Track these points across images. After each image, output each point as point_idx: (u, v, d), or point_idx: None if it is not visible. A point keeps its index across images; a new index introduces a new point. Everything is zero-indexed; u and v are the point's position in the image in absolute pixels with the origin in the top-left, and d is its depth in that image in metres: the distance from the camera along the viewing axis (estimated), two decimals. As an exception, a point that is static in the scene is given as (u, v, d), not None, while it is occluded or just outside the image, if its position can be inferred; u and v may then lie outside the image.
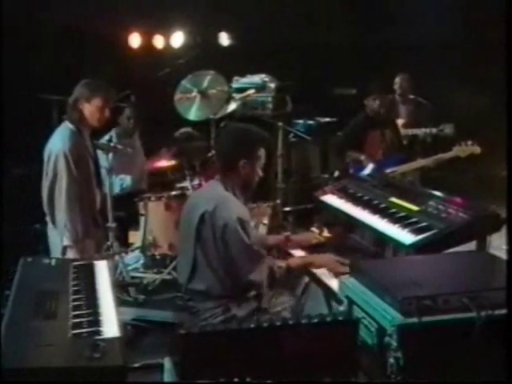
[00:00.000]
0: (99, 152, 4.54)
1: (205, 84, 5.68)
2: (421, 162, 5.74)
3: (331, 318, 2.22)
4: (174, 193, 5.13)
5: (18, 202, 5.09)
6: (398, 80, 6.79)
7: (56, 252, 4.01)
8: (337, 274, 3.09)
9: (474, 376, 2.13)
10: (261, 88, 6.49)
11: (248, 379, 2.07)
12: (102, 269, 2.82)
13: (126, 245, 5.30)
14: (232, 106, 6.13)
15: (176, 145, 5.51)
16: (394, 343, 2.11)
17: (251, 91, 6.40)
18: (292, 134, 6.79)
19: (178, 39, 7.20)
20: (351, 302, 2.45)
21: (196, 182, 5.24)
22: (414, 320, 2.12)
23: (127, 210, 5.19)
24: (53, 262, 2.85)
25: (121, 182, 5.34)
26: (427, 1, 7.81)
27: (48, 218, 4.03)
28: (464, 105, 7.73)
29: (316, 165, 7.19)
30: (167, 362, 2.34)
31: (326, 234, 3.69)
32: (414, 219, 3.17)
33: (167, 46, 7.22)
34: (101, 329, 2.17)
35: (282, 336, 2.16)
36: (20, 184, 5.43)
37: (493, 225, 3.07)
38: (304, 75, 7.46)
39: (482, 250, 3.05)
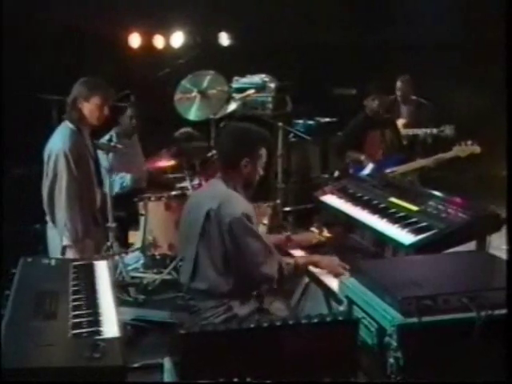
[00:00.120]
0: (99, 152, 4.54)
1: (205, 84, 5.68)
2: (420, 162, 5.74)
3: (331, 318, 2.23)
4: (174, 193, 5.13)
5: (17, 201, 5.08)
6: (399, 83, 6.79)
7: (55, 252, 4.01)
8: (337, 275, 3.09)
9: (474, 376, 2.13)
10: (261, 88, 6.50)
11: (248, 379, 2.07)
12: (101, 269, 2.82)
13: (125, 245, 5.30)
14: (232, 106, 6.13)
15: (176, 145, 5.51)
16: (394, 343, 2.11)
17: (251, 91, 6.41)
18: (292, 134, 6.79)
19: (177, 39, 7.20)
20: (351, 302, 2.45)
21: (196, 181, 5.24)
22: (414, 320, 2.12)
23: (127, 209, 5.19)
24: (53, 262, 2.85)
25: (121, 180, 5.33)
26: (427, 1, 7.81)
27: (48, 218, 4.04)
28: (464, 105, 7.73)
29: (316, 165, 7.19)
30: (167, 362, 2.34)
31: (325, 233, 3.69)
32: (413, 219, 3.17)
33: (167, 45, 7.22)
34: (101, 329, 2.17)
35: (282, 336, 2.16)
36: (20, 184, 5.42)
37: (493, 225, 3.07)
38: (304, 75, 7.46)
39: (482, 249, 3.05)
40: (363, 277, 2.44)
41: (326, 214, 4.49)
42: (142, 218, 5.10)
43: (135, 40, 6.94)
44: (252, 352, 2.13)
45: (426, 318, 2.12)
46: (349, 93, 7.71)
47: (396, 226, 3.18)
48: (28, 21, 5.96)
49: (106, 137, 5.10)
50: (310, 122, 7.20)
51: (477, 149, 5.52)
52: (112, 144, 4.85)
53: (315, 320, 2.19)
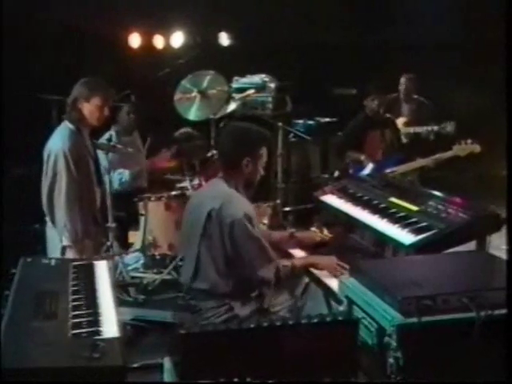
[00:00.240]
0: (99, 151, 4.54)
1: (205, 84, 5.68)
2: (420, 162, 5.74)
3: (331, 318, 2.22)
4: (174, 193, 5.12)
5: (18, 201, 5.08)
6: (403, 79, 6.79)
7: (55, 252, 4.00)
8: (337, 275, 3.09)
9: (474, 376, 2.13)
10: (261, 88, 6.49)
11: (248, 379, 2.07)
12: (101, 269, 2.81)
13: (125, 245, 5.29)
14: (232, 106, 6.13)
15: (176, 145, 5.51)
16: (394, 343, 2.11)
17: (251, 91, 6.40)
18: (292, 134, 6.79)
19: (177, 39, 7.19)
20: (351, 302, 2.45)
21: (196, 181, 5.23)
22: (414, 320, 2.12)
23: (127, 210, 5.19)
24: (52, 262, 2.85)
25: (119, 176, 5.32)
26: (427, 1, 7.81)
27: (47, 218, 4.03)
28: (464, 104, 7.72)
29: (316, 165, 7.19)
30: (167, 362, 2.33)
31: (325, 233, 3.69)
32: (413, 219, 3.17)
33: (167, 46, 7.21)
34: (100, 329, 2.17)
35: (282, 336, 2.16)
36: (20, 184, 5.42)
37: (492, 225, 3.07)
38: (304, 75, 7.45)
39: (482, 249, 3.05)
40: (363, 277, 2.44)
41: (325, 213, 4.49)
42: (142, 218, 5.09)
43: (135, 40, 6.94)
44: (252, 352, 2.13)
45: (425, 318, 2.13)
46: (349, 93, 7.71)
47: (396, 225, 3.18)
48: (28, 21, 5.96)
49: (106, 136, 5.10)
50: (310, 122, 7.20)
51: (476, 148, 5.52)
52: (112, 144, 4.85)
53: (315, 320, 2.19)
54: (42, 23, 6.08)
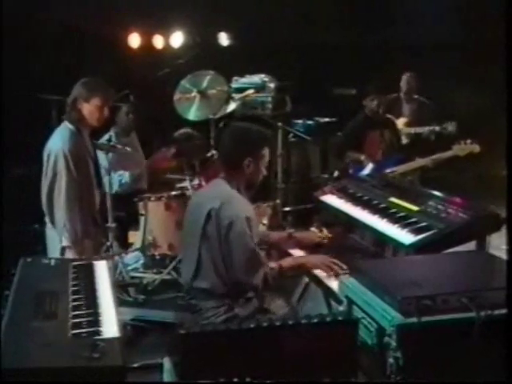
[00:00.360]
0: (99, 152, 4.54)
1: (204, 84, 5.68)
2: (420, 162, 5.74)
3: (331, 318, 2.23)
4: (173, 193, 5.12)
5: (18, 201, 5.08)
6: (404, 78, 6.78)
7: (55, 253, 4.00)
8: (336, 274, 3.09)
9: (474, 376, 2.13)
10: (260, 88, 6.49)
11: (248, 379, 2.07)
12: (101, 269, 2.82)
13: (125, 245, 5.30)
14: (231, 106, 6.13)
15: (176, 145, 5.51)
16: (394, 343, 2.11)
17: (251, 91, 6.40)
18: (292, 134, 6.79)
19: (177, 39, 7.19)
20: (351, 302, 2.45)
21: (196, 181, 5.23)
22: (414, 320, 2.12)
23: (127, 210, 5.19)
24: (52, 262, 2.85)
25: (119, 177, 5.32)
26: (427, 1, 7.81)
27: (47, 219, 4.03)
28: (464, 104, 7.72)
29: (316, 165, 7.19)
30: (167, 362, 2.34)
31: (325, 233, 3.69)
32: (413, 219, 3.17)
33: (167, 45, 7.22)
34: (100, 329, 2.17)
35: (282, 336, 2.16)
36: (20, 184, 5.42)
37: (492, 225, 3.07)
38: (304, 75, 7.45)
39: (482, 249, 3.05)
40: (363, 277, 2.44)
41: (325, 213, 4.49)
42: (142, 218, 5.09)
43: (135, 40, 6.94)
44: (252, 352, 2.13)
45: (425, 318, 2.13)
46: (349, 93, 7.70)
47: (396, 225, 3.18)
48: (28, 21, 5.96)
49: (106, 137, 5.10)
50: (310, 122, 7.20)
51: (476, 147, 5.52)
52: (111, 144, 4.84)
53: (315, 320, 2.19)
54: (41, 23, 6.08)
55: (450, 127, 6.06)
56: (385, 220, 3.30)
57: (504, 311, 2.14)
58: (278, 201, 6.14)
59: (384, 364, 2.16)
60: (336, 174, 6.08)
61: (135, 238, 5.26)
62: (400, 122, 6.43)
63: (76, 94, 4.06)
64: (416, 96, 6.80)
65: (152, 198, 5.06)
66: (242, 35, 7.50)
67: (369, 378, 2.32)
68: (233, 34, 7.53)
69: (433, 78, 7.31)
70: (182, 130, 5.71)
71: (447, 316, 2.15)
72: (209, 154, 5.45)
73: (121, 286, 4.71)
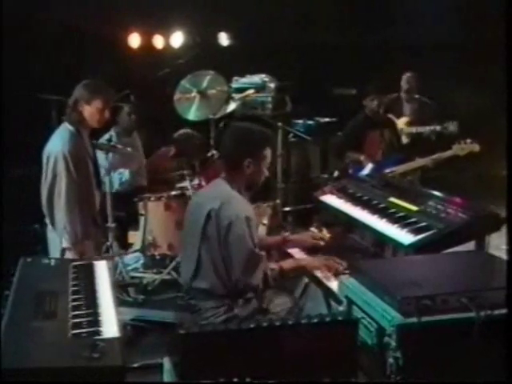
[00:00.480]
0: (99, 152, 4.53)
1: (204, 84, 5.68)
2: (419, 162, 5.74)
3: (331, 318, 2.23)
4: (173, 193, 5.12)
5: (17, 202, 5.08)
6: (405, 77, 6.78)
7: (55, 253, 4.00)
8: (336, 273, 3.10)
9: (474, 376, 2.13)
10: (260, 88, 6.49)
11: (248, 379, 2.07)
12: (101, 269, 2.82)
13: (125, 245, 5.29)
14: (231, 106, 6.13)
15: (175, 145, 5.51)
16: (394, 343, 2.11)
17: (251, 91, 6.40)
18: (292, 134, 6.79)
19: (177, 39, 7.19)
20: (351, 302, 2.46)
21: (196, 182, 5.23)
22: (414, 320, 2.12)
23: (127, 210, 5.19)
24: (52, 262, 2.85)
25: (119, 176, 5.32)
26: (427, 1, 7.81)
27: (47, 220, 4.03)
28: (464, 104, 7.72)
29: (316, 165, 7.19)
30: (166, 362, 2.34)
31: (325, 233, 3.69)
32: (413, 219, 3.18)
33: (167, 45, 7.21)
34: (100, 329, 2.17)
35: (282, 336, 2.16)
36: (20, 184, 5.42)
37: (492, 225, 3.07)
38: (304, 75, 7.45)
39: (481, 249, 3.05)
40: (363, 277, 2.44)
41: (325, 213, 4.49)
42: (142, 218, 5.09)
43: (135, 40, 6.93)
44: (252, 352, 2.13)
45: (425, 318, 2.13)
46: (349, 93, 7.70)
47: (396, 225, 3.19)
48: (28, 21, 5.96)
49: (106, 136, 5.10)
50: (310, 122, 7.20)
51: (475, 147, 5.52)
52: (112, 144, 4.84)
53: (315, 320, 2.19)
54: (42, 23, 6.08)
55: (452, 127, 6.05)
56: (384, 220, 3.30)
57: (504, 311, 2.14)
58: (277, 201, 6.14)
59: (384, 364, 2.16)
60: (336, 174, 6.08)
61: (135, 238, 5.26)
62: (401, 122, 6.42)
63: (77, 95, 4.06)
64: (417, 96, 6.80)
65: (152, 198, 5.06)
66: (242, 35, 7.50)
67: (369, 378, 2.32)
68: (233, 34, 7.53)
69: (433, 78, 7.30)
70: (182, 130, 5.71)
71: (447, 316, 2.16)
72: (209, 154, 5.45)
73: (121, 286, 4.70)
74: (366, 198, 3.68)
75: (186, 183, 5.25)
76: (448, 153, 5.61)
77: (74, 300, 2.41)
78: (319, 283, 3.25)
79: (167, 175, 5.77)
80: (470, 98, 7.78)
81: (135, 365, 3.61)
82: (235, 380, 2.07)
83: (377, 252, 3.45)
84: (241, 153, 3.19)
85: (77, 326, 2.18)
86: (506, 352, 2.07)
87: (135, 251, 5.15)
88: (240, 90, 6.44)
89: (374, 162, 5.74)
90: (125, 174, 5.36)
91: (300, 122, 7.12)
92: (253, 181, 3.25)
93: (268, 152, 3.25)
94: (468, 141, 5.52)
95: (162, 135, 6.03)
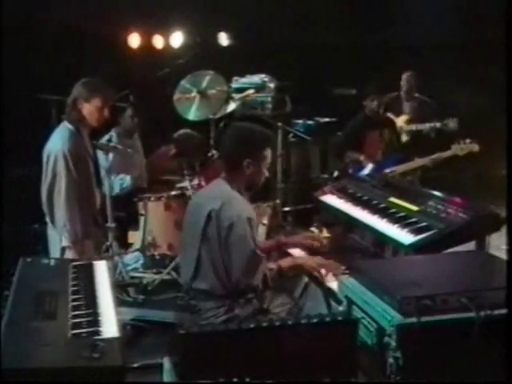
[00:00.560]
0: (99, 152, 4.53)
1: (204, 84, 5.68)
2: (419, 162, 5.74)
3: (331, 318, 2.23)
4: (173, 193, 5.12)
5: (17, 201, 5.08)
6: (404, 77, 6.78)
7: (56, 252, 4.00)
8: (335, 274, 3.09)
9: (474, 376, 2.13)
10: (260, 88, 6.49)
11: (248, 379, 2.07)
12: (101, 269, 2.82)
13: (125, 245, 5.29)
14: (231, 106, 6.13)
15: (175, 145, 5.51)
16: (394, 343, 2.11)
17: (251, 91, 6.40)
18: (291, 134, 6.79)
19: (177, 39, 7.19)
20: (350, 302, 2.46)
21: (195, 182, 5.23)
22: (413, 320, 2.12)
23: (127, 210, 5.19)
24: (52, 262, 2.85)
25: (121, 181, 5.32)
26: (427, 1, 7.81)
27: (47, 219, 4.03)
28: (463, 104, 7.72)
29: (315, 165, 7.19)
30: (166, 362, 2.34)
31: (325, 233, 3.69)
32: (413, 219, 3.18)
33: (167, 45, 7.21)
34: (100, 329, 2.17)
35: (282, 336, 2.16)
36: (20, 184, 5.42)
37: (492, 225, 3.08)
38: (304, 75, 7.45)
39: (482, 249, 3.05)
40: (363, 277, 2.44)
41: (325, 213, 4.49)
42: (142, 218, 5.09)
43: (135, 40, 6.93)
44: (252, 352, 2.13)
45: (425, 318, 2.13)
46: (349, 93, 7.70)
47: (396, 225, 3.19)
48: (28, 21, 5.96)
49: (106, 137, 5.09)
50: (310, 122, 7.20)
51: (475, 147, 5.51)
52: (112, 144, 4.84)
53: (315, 320, 2.19)
54: (42, 23, 6.09)
55: (452, 124, 6.03)
56: (385, 220, 3.30)
57: (504, 311, 2.14)
58: (277, 201, 6.14)
59: (384, 364, 2.16)
60: (336, 174, 6.08)
61: (135, 238, 5.26)
62: (401, 120, 6.43)
63: (76, 93, 4.06)
64: (417, 94, 6.80)
65: (152, 198, 5.06)
66: (242, 35, 7.50)
67: (369, 378, 2.32)
68: (233, 34, 7.53)
69: (433, 78, 7.30)
70: (182, 130, 5.71)
71: (447, 316, 2.16)
72: (209, 154, 5.45)
73: (121, 286, 4.70)
74: (366, 197, 3.67)
75: (185, 183, 5.25)
76: (447, 153, 5.61)
77: (73, 300, 2.41)
78: (319, 283, 3.25)
79: (167, 175, 5.78)
80: (469, 97, 7.78)
81: (135, 365, 3.61)
82: (235, 380, 2.07)
83: (377, 252, 3.45)
84: (241, 153, 3.18)
85: (77, 326, 2.18)
86: (506, 352, 2.07)
87: (135, 251, 5.15)
88: (240, 90, 6.44)
89: (374, 161, 5.74)
90: (126, 179, 5.36)
91: (300, 121, 7.12)
92: (253, 181, 3.25)
93: (268, 152, 3.24)
94: (467, 141, 5.52)
95: (162, 135, 6.03)
